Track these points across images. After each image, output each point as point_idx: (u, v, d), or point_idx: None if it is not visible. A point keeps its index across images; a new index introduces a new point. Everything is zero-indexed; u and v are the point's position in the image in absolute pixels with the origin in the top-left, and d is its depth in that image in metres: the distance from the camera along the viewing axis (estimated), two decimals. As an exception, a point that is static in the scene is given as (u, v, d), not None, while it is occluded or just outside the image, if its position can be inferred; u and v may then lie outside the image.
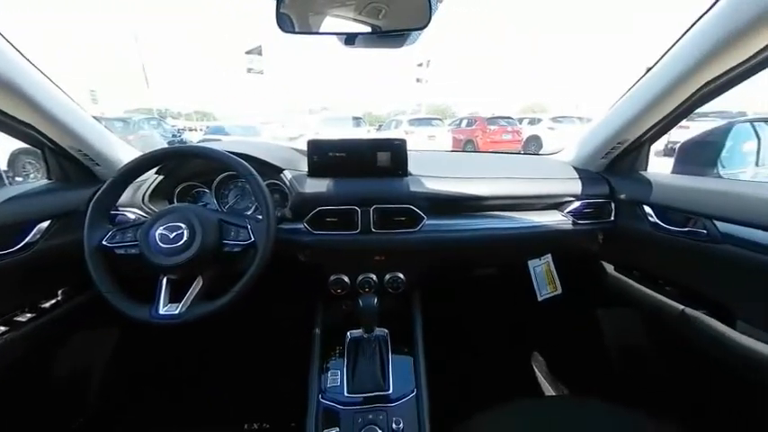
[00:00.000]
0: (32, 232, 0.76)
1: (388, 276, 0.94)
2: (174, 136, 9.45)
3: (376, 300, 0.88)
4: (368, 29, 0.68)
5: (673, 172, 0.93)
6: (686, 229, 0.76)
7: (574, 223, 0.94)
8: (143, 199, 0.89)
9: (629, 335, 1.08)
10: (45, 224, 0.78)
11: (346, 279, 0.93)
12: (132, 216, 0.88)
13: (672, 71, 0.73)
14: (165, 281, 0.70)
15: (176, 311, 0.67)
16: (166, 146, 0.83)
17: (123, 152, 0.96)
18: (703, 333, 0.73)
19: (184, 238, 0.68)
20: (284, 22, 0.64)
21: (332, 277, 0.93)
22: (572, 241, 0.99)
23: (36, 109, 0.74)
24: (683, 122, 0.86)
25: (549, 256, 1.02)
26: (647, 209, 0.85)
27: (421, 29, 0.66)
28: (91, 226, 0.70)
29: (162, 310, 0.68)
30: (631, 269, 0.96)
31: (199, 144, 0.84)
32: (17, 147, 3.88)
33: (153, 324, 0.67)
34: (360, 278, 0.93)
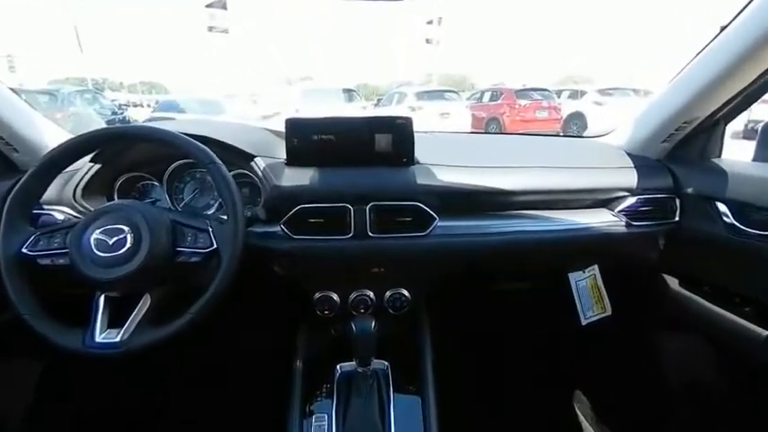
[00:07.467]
0: None
1: (388, 294, 0.93)
2: (114, 113, 9.47)
3: (373, 323, 0.87)
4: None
5: (755, 159, 0.92)
6: None
7: (627, 225, 0.93)
8: (74, 194, 0.89)
9: (699, 368, 1.08)
10: None
11: (335, 297, 0.93)
12: (61, 216, 0.88)
13: (753, 31, 0.73)
14: (102, 300, 0.70)
15: (116, 339, 0.67)
16: (105, 125, 0.83)
17: (49, 134, 0.96)
18: None
19: (127, 245, 0.68)
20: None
21: (317, 295, 0.93)
22: (625, 248, 0.99)
23: None
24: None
25: (596, 267, 1.02)
26: (722, 206, 0.85)
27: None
28: (7, 229, 0.70)
29: (99, 338, 0.68)
30: (701, 284, 0.96)
31: (146, 124, 0.83)
32: None
33: (87, 355, 0.67)
34: (353, 296, 0.93)
